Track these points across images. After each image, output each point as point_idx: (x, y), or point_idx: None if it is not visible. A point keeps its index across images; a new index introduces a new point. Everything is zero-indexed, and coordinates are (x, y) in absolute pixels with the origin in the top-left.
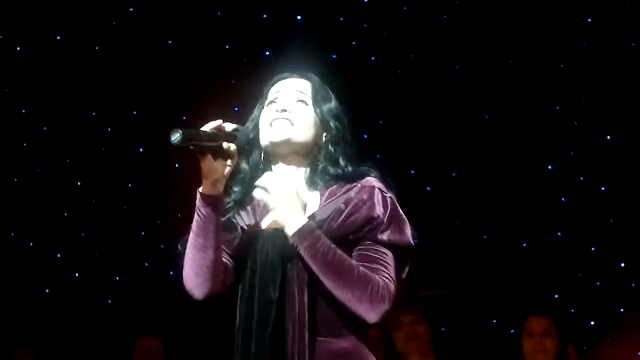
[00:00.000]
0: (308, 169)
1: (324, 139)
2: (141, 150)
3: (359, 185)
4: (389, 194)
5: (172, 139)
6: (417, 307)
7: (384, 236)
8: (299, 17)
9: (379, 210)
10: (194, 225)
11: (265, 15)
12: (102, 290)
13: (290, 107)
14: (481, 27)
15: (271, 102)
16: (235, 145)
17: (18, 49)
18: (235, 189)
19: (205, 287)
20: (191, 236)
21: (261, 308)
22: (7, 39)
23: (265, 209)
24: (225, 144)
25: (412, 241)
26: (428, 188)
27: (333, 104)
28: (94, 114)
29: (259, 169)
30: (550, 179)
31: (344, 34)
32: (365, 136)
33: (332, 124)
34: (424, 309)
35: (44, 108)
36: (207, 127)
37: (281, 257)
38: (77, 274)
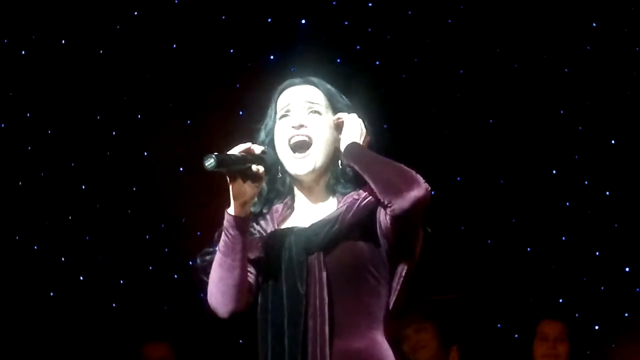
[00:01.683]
0: (330, 176)
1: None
2: (145, 154)
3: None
4: None
5: (206, 164)
6: (419, 312)
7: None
8: (303, 22)
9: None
10: (221, 245)
11: (269, 20)
12: (106, 294)
13: (307, 121)
14: (486, 32)
15: (284, 115)
16: (263, 167)
17: (23, 52)
18: (255, 200)
19: (230, 306)
20: (218, 256)
21: (291, 302)
22: (12, 42)
23: (280, 215)
24: (254, 167)
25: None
26: (433, 192)
27: (345, 104)
28: (98, 117)
29: (276, 180)
30: (554, 184)
31: (348, 38)
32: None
33: None
34: (426, 312)
35: (48, 112)
36: (236, 150)
37: (305, 251)
38: (81, 278)
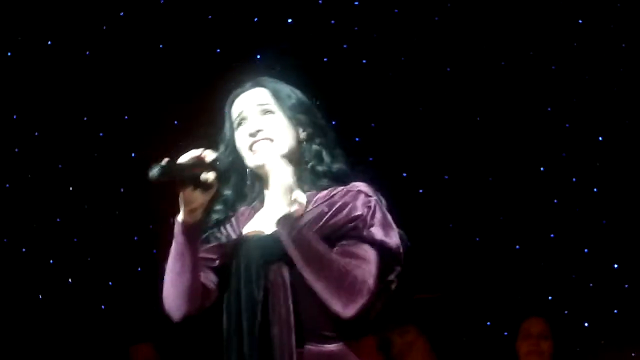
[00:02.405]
0: (295, 170)
1: (301, 136)
2: (133, 155)
3: (345, 189)
4: (374, 197)
5: (150, 175)
6: (401, 314)
7: (366, 233)
8: (289, 21)
9: (361, 210)
10: (172, 249)
11: (255, 19)
12: (95, 295)
13: (262, 125)
14: (472, 29)
15: (239, 124)
16: (215, 174)
17: (9, 54)
18: (218, 207)
19: (182, 309)
20: (169, 260)
21: (248, 308)
22: None
23: (246, 219)
24: (204, 175)
25: (398, 243)
26: (420, 190)
27: (296, 98)
28: (85, 119)
29: (243, 190)
30: (542, 181)
31: (334, 37)
32: (357, 139)
33: (303, 119)
34: (408, 314)
35: (35, 113)
36: (187, 156)
37: (263, 259)
38: (70, 280)
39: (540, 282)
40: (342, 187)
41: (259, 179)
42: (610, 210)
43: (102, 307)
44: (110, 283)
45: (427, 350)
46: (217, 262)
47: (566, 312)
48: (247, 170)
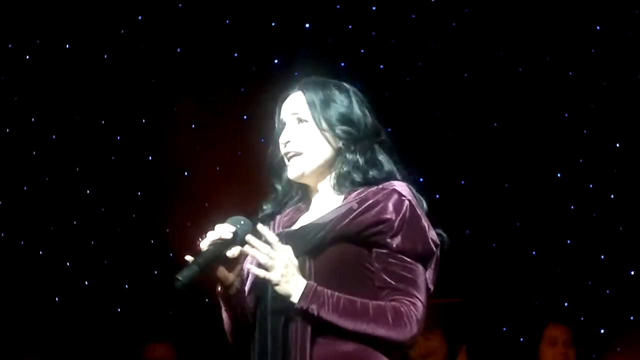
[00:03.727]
0: (333, 177)
1: (340, 144)
2: (150, 158)
3: (380, 186)
4: (407, 198)
5: (177, 286)
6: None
7: (394, 242)
8: (307, 25)
9: (389, 213)
10: (222, 312)
11: (273, 24)
12: (111, 298)
13: (292, 136)
14: (490, 35)
15: (281, 128)
16: (240, 246)
17: (27, 57)
18: (266, 206)
19: (238, 343)
20: (223, 319)
21: (274, 305)
22: (16, 47)
23: (288, 220)
24: (229, 253)
25: (427, 248)
26: (437, 196)
27: (334, 105)
28: (102, 122)
29: (292, 185)
30: (559, 187)
31: (352, 42)
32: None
33: (338, 130)
34: (435, 318)
35: (53, 116)
36: (205, 243)
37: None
38: (86, 282)
39: (557, 289)
40: (378, 185)
41: (302, 184)
42: (627, 216)
43: (118, 309)
44: (126, 286)
45: (449, 357)
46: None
47: (582, 318)
48: None
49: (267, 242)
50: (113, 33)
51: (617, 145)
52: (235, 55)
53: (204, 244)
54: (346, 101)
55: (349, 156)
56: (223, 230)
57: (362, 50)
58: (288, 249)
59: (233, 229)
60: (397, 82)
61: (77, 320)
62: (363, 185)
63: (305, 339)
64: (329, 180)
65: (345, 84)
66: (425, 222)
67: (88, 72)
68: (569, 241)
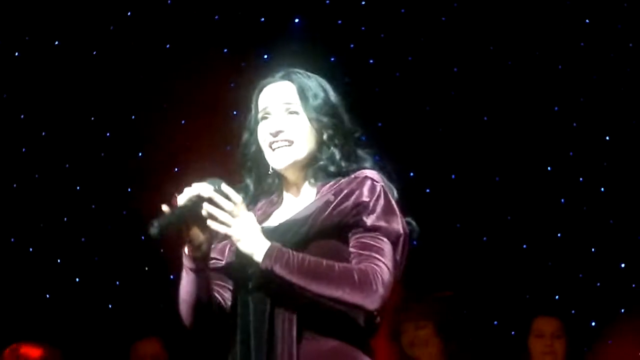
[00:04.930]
0: (310, 170)
1: (325, 137)
2: (140, 154)
3: (352, 176)
4: (380, 183)
5: (151, 234)
6: (420, 309)
7: (370, 220)
8: (297, 20)
9: (365, 196)
10: (182, 277)
11: (263, 19)
12: (102, 295)
13: (285, 126)
14: (479, 29)
15: (263, 117)
16: (215, 206)
17: (16, 54)
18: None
19: (191, 323)
20: (182, 283)
21: (256, 302)
22: (5, 44)
23: (263, 214)
24: (204, 211)
25: (399, 230)
26: (427, 190)
27: (322, 97)
28: (92, 118)
29: (264, 181)
30: (549, 180)
31: (342, 37)
32: (364, 138)
33: (326, 121)
34: (427, 310)
35: (42, 113)
36: (183, 198)
37: None
38: (77, 279)
39: (548, 282)
40: (350, 175)
41: (279, 175)
42: (617, 209)
43: (109, 306)
44: (117, 282)
45: (441, 350)
46: (231, 259)
47: (573, 311)
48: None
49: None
50: (102, 29)
51: (607, 138)
52: (225, 50)
53: (181, 199)
54: (331, 95)
55: (331, 148)
56: (201, 188)
57: (352, 45)
58: (250, 215)
59: (211, 188)
60: (387, 76)
61: (68, 317)
62: (336, 176)
63: (291, 335)
64: (308, 172)
65: (321, 78)
66: (395, 207)
67: (77, 69)
68: (559, 234)
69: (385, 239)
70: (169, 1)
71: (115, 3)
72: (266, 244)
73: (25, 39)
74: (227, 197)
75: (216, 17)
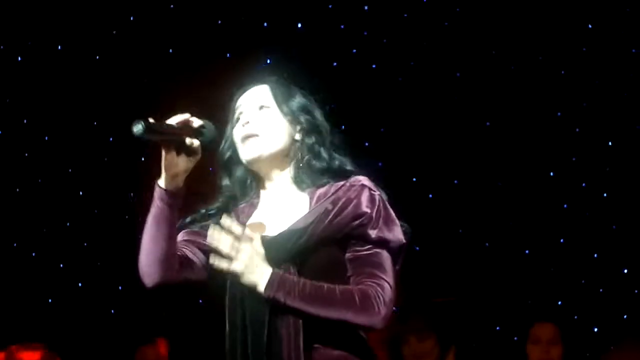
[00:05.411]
0: (292, 167)
1: (298, 134)
2: (142, 159)
3: (348, 184)
4: (377, 192)
5: (134, 130)
6: (422, 320)
7: (373, 233)
8: (299, 26)
9: (365, 207)
10: (149, 215)
11: (265, 24)
12: (105, 300)
13: (252, 118)
14: (482, 34)
15: (237, 118)
16: (200, 141)
17: (19, 58)
18: (220, 199)
19: (155, 277)
20: (146, 225)
21: (255, 310)
22: (8, 48)
23: (246, 216)
24: (188, 140)
25: (402, 238)
26: (430, 195)
27: (297, 98)
28: (95, 123)
29: (246, 183)
30: (552, 186)
31: (344, 42)
32: (367, 144)
33: (301, 118)
34: (429, 319)
35: (45, 118)
36: (173, 120)
37: (273, 262)
38: (79, 284)
39: (550, 287)
40: (343, 182)
41: (255, 175)
42: (619, 215)
43: (112, 311)
44: (120, 287)
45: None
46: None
47: (576, 317)
48: (245, 167)
49: (230, 232)
50: (105, 34)
51: (610, 143)
52: (228, 55)
53: (171, 120)
54: (307, 98)
55: (309, 143)
56: (193, 118)
57: (354, 50)
58: (255, 238)
59: (201, 122)
60: (390, 82)
61: (71, 322)
62: (322, 174)
63: (298, 346)
64: (289, 171)
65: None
66: (393, 215)
67: (80, 73)
68: (562, 240)
69: (385, 252)
70: (172, 5)
71: (117, 7)
72: (268, 273)
73: (27, 43)
74: (227, 229)
75: (219, 21)
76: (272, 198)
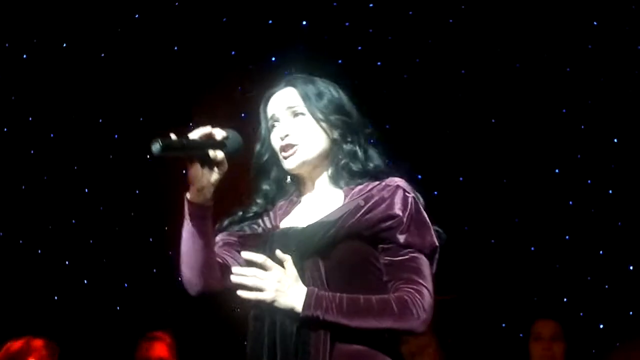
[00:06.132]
0: (330, 168)
1: (335, 134)
2: (148, 157)
3: (383, 183)
4: (411, 194)
5: (153, 150)
6: None
7: (403, 237)
8: (304, 23)
9: (398, 209)
10: (183, 227)
11: (270, 22)
12: (110, 296)
13: (290, 129)
14: (487, 31)
15: (273, 125)
16: (224, 153)
17: (24, 56)
18: (258, 201)
19: (198, 287)
20: (182, 237)
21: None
22: (14, 46)
23: (284, 213)
24: (212, 152)
25: (434, 242)
26: (435, 193)
27: (327, 97)
28: (100, 120)
29: (283, 184)
30: (557, 183)
31: (349, 39)
32: (372, 141)
33: (334, 120)
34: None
35: (51, 115)
36: (195, 134)
37: (299, 253)
38: (85, 281)
39: (556, 284)
40: (379, 181)
41: (297, 177)
42: (625, 211)
43: (117, 308)
44: (125, 284)
45: (438, 354)
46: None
47: (581, 314)
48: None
49: (254, 264)
50: (110, 32)
51: (615, 140)
52: (233, 53)
53: (193, 134)
54: (336, 94)
55: (345, 146)
56: (215, 130)
57: (359, 48)
58: (287, 259)
59: (225, 134)
60: (395, 79)
61: (77, 318)
62: (360, 176)
63: (326, 340)
64: (327, 172)
65: (329, 81)
66: (427, 219)
67: (86, 71)
68: (567, 237)
69: (422, 257)
70: (176, 3)
71: (123, 6)
72: (302, 293)
73: (33, 41)
74: (250, 262)
75: (224, 19)
76: (310, 195)
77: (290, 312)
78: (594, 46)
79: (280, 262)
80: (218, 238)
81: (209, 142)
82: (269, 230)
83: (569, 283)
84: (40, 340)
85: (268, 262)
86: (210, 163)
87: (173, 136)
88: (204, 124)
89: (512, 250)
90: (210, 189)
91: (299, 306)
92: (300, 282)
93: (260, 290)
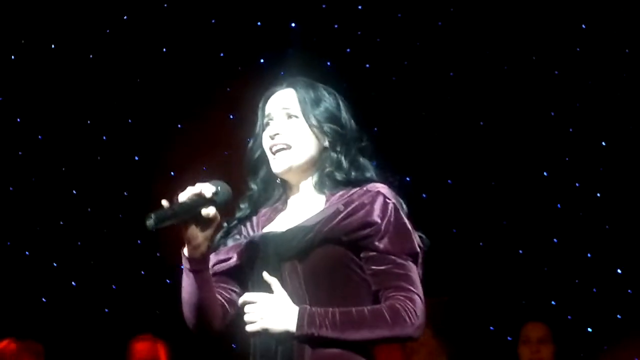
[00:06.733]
0: (315, 175)
1: (326, 142)
2: (136, 158)
3: (365, 188)
4: (392, 201)
5: (147, 225)
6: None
7: (382, 245)
8: (293, 25)
9: (376, 216)
10: (183, 279)
11: (259, 23)
12: (98, 298)
13: (282, 129)
14: (476, 34)
15: (267, 124)
16: (216, 208)
17: (12, 57)
18: (242, 206)
19: (201, 329)
20: (182, 286)
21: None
22: (1, 47)
23: (267, 220)
24: (204, 211)
25: (414, 248)
26: (424, 195)
27: (324, 105)
28: (89, 122)
29: (270, 186)
30: (545, 185)
31: (338, 41)
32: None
33: (327, 128)
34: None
35: (39, 117)
36: (184, 195)
37: (278, 256)
38: (73, 283)
39: (544, 287)
40: (360, 187)
41: (284, 183)
42: (613, 215)
43: (106, 310)
44: (113, 286)
45: (439, 352)
46: (236, 263)
47: (569, 317)
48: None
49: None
50: (99, 33)
51: (603, 143)
52: (222, 54)
53: (183, 196)
54: (334, 103)
55: (333, 155)
56: (204, 187)
57: (348, 50)
58: (273, 282)
59: (214, 189)
60: (383, 81)
61: (65, 321)
62: (344, 185)
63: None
64: (312, 179)
65: (331, 89)
66: (409, 224)
67: (74, 72)
68: (555, 240)
69: (407, 263)
70: (165, 5)
71: (112, 7)
72: (294, 314)
73: (21, 42)
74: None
75: (213, 20)
76: (294, 201)
77: (285, 335)
78: (582, 49)
79: (268, 285)
80: (210, 264)
81: (200, 201)
82: (251, 238)
83: (558, 286)
84: (23, 342)
85: (249, 296)
86: (203, 221)
87: (165, 203)
88: (193, 126)
89: (500, 253)
90: (206, 243)
91: (292, 327)
92: (290, 302)
93: (250, 323)
